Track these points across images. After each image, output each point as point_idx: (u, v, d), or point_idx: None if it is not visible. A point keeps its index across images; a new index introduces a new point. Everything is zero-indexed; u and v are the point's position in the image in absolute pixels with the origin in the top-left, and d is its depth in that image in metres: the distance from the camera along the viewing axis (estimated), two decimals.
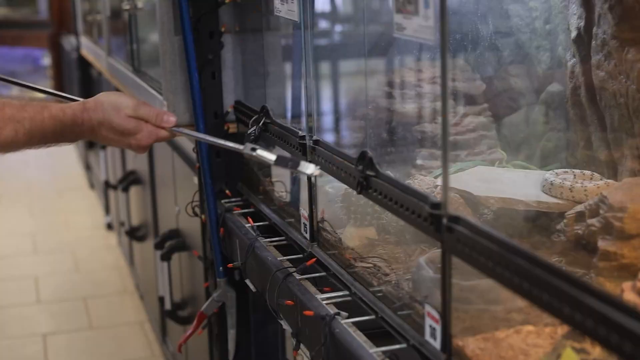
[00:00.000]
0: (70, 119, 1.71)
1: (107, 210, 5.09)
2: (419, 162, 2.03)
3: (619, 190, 1.56)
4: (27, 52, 8.47)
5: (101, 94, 1.78)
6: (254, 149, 1.66)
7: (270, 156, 1.66)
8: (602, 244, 1.49)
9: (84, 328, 3.89)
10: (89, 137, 1.76)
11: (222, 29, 2.33)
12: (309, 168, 1.61)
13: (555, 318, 1.07)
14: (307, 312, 1.61)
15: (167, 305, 2.86)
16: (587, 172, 1.76)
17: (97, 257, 4.73)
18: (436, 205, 1.31)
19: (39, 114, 1.68)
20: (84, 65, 5.40)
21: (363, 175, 1.55)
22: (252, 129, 2.08)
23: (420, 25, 1.34)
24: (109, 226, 5.07)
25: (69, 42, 6.50)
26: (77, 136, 1.75)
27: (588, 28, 1.74)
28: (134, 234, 3.76)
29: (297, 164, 1.62)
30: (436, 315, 1.34)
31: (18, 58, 8.31)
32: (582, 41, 1.77)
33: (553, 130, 1.95)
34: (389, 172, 1.76)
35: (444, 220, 1.29)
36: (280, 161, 1.65)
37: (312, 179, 1.83)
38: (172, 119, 1.78)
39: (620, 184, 1.61)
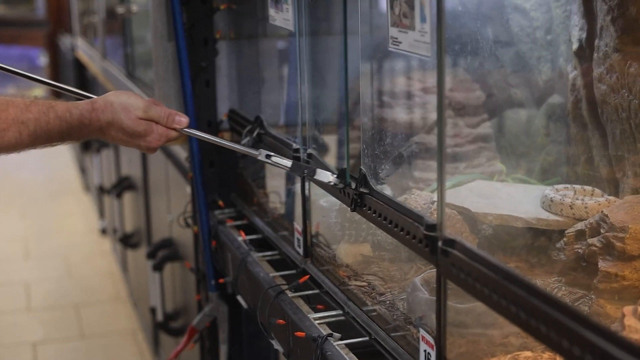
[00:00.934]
0: (77, 119, 1.64)
1: (101, 214, 5.05)
2: (416, 174, 1.98)
3: (620, 209, 1.51)
4: (23, 51, 8.41)
5: (111, 93, 1.72)
6: (268, 156, 1.67)
7: (285, 162, 1.67)
8: (602, 264, 1.45)
9: (75, 337, 3.84)
10: (97, 136, 1.72)
11: (217, 36, 2.28)
12: (326, 176, 1.58)
13: (553, 351, 1.03)
14: (299, 334, 1.57)
15: (159, 317, 2.81)
16: (588, 188, 1.71)
17: (90, 263, 4.68)
18: (431, 227, 1.27)
19: (44, 114, 1.61)
20: (80, 66, 5.36)
21: (357, 193, 1.51)
22: (246, 139, 2.03)
23: (416, 40, 1.29)
24: (103, 231, 5.02)
25: (65, 42, 6.45)
26: (84, 136, 1.70)
27: (590, 40, 1.70)
28: (127, 240, 3.72)
29: (314, 172, 1.61)
30: (431, 340, 1.30)
31: (14, 57, 8.25)
32: (584, 53, 1.72)
33: (553, 143, 1.90)
34: (386, 186, 1.72)
35: (439, 243, 1.25)
36: (296, 168, 1.65)
37: (307, 192, 1.79)
38: (184, 120, 1.72)
39: (621, 203, 1.56)
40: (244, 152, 1.78)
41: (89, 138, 1.74)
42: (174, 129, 1.71)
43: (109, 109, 1.66)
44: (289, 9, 1.80)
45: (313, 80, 1.85)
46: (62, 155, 6.92)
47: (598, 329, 0.94)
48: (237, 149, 1.79)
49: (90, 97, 1.73)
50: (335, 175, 1.57)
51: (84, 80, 5.44)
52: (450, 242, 1.23)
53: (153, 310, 2.88)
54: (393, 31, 1.36)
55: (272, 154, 1.68)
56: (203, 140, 2.24)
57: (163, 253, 2.77)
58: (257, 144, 2.01)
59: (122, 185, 3.73)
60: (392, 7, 1.36)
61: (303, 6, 1.76)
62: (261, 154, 1.68)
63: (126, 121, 1.66)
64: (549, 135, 1.91)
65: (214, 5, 2.25)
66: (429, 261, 1.29)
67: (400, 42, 1.35)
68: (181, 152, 2.48)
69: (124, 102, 1.68)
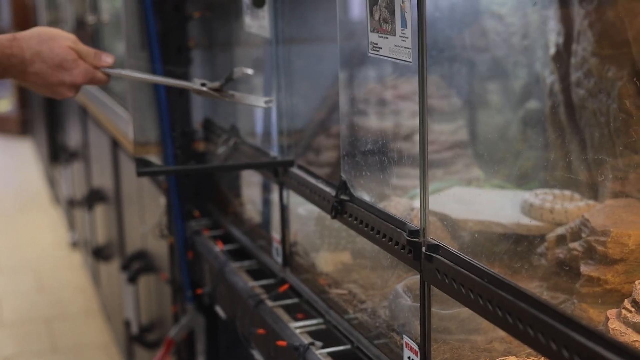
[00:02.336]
0: None
1: (71, 227, 4.99)
2: (393, 181, 1.97)
3: (601, 213, 1.51)
4: None
5: (35, 28, 1.60)
6: (203, 84, 1.69)
7: (215, 93, 1.69)
8: (584, 269, 1.44)
9: (46, 351, 3.78)
10: (14, 73, 1.56)
11: (191, 44, 2.26)
12: (260, 101, 1.69)
13: (541, 354, 1.02)
14: (280, 342, 1.55)
15: (134, 329, 2.77)
16: (567, 193, 1.71)
17: (60, 277, 4.62)
18: (414, 233, 1.26)
19: None
20: None
21: (337, 200, 1.49)
22: (222, 148, 2.02)
23: (396, 46, 1.28)
24: (74, 244, 4.96)
25: None
26: (5, 70, 1.55)
27: (567, 44, 1.70)
28: (99, 253, 3.67)
29: (242, 97, 1.70)
30: (415, 347, 1.29)
31: None
32: (561, 58, 1.73)
33: (531, 148, 1.90)
34: (364, 193, 1.71)
35: (423, 249, 1.24)
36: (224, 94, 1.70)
37: (285, 201, 1.77)
38: (109, 60, 1.65)
39: (602, 207, 1.56)
40: (176, 85, 1.81)
41: (16, 78, 1.59)
42: (99, 68, 1.63)
43: (35, 39, 1.55)
44: (265, 16, 1.79)
45: (289, 87, 1.84)
46: (31, 168, 6.84)
47: (586, 331, 0.94)
48: (169, 83, 1.80)
49: None
50: (270, 100, 1.69)
51: None
52: (435, 248, 1.22)
53: (127, 323, 2.84)
54: (373, 37, 1.35)
55: (206, 82, 1.70)
56: (179, 152, 2.23)
57: (137, 265, 2.74)
58: (233, 153, 1.99)
59: (94, 197, 3.69)
60: (371, 13, 1.35)
61: (280, 13, 1.75)
62: (195, 83, 1.70)
63: (56, 49, 1.55)
64: (526, 141, 1.91)
65: (188, 13, 2.24)
66: (412, 267, 1.28)
67: (380, 48, 1.34)
68: (156, 162, 2.45)
69: (52, 32, 1.58)
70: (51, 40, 1.56)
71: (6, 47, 1.52)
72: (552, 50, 1.75)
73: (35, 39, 1.55)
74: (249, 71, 1.63)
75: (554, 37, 1.74)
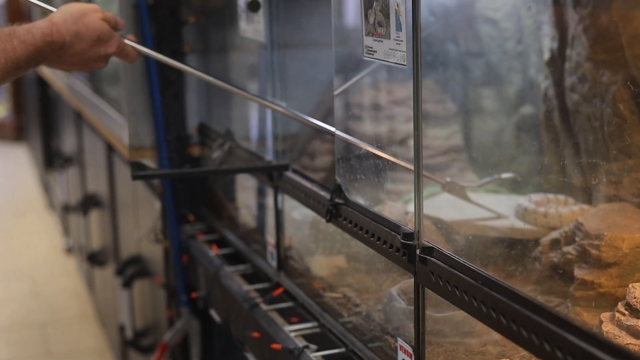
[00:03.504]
0: (41, 39, 1.49)
1: (66, 233, 4.98)
2: (388, 186, 1.98)
3: (595, 217, 1.52)
4: None
5: (61, 7, 1.56)
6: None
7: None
8: (578, 272, 1.45)
9: (41, 356, 3.78)
10: (52, 59, 1.54)
11: (186, 49, 2.27)
12: None
13: (534, 355, 1.02)
14: (275, 346, 1.55)
15: (129, 334, 2.77)
16: (561, 197, 1.72)
17: (55, 282, 4.62)
18: (409, 235, 1.26)
19: (9, 42, 1.48)
20: (43, 82, 5.30)
21: (332, 203, 1.50)
22: (217, 153, 2.02)
23: (391, 49, 1.29)
24: (69, 250, 4.95)
25: None
26: (47, 58, 1.53)
27: (561, 49, 1.70)
28: (94, 258, 3.67)
29: None
30: (409, 350, 1.29)
31: None
32: (555, 63, 1.73)
33: (526, 153, 1.91)
34: (359, 198, 1.71)
35: (417, 251, 1.24)
36: None
37: (279, 205, 1.77)
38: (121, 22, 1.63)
39: (595, 211, 1.57)
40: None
41: (50, 63, 1.57)
42: (127, 42, 1.60)
43: (69, 20, 1.53)
44: (261, 20, 1.79)
45: (284, 92, 1.84)
46: (26, 173, 6.84)
47: (580, 332, 0.94)
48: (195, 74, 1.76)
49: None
50: None
51: (47, 97, 5.38)
52: (429, 250, 1.22)
53: (122, 328, 2.84)
54: (367, 40, 1.36)
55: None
56: (174, 155, 2.23)
57: (132, 269, 2.74)
58: (229, 157, 1.99)
59: (89, 202, 3.69)
60: (366, 17, 1.36)
61: (275, 18, 1.76)
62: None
63: (91, 24, 1.54)
64: (521, 146, 1.92)
65: (183, 18, 2.24)
66: (407, 270, 1.28)
67: (375, 51, 1.35)
68: (151, 166, 2.45)
69: (80, 8, 1.56)
70: (84, 17, 1.54)
71: (47, 35, 1.50)
72: (547, 55, 1.75)
73: (69, 20, 1.53)
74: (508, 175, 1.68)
75: (548, 42, 1.74)
